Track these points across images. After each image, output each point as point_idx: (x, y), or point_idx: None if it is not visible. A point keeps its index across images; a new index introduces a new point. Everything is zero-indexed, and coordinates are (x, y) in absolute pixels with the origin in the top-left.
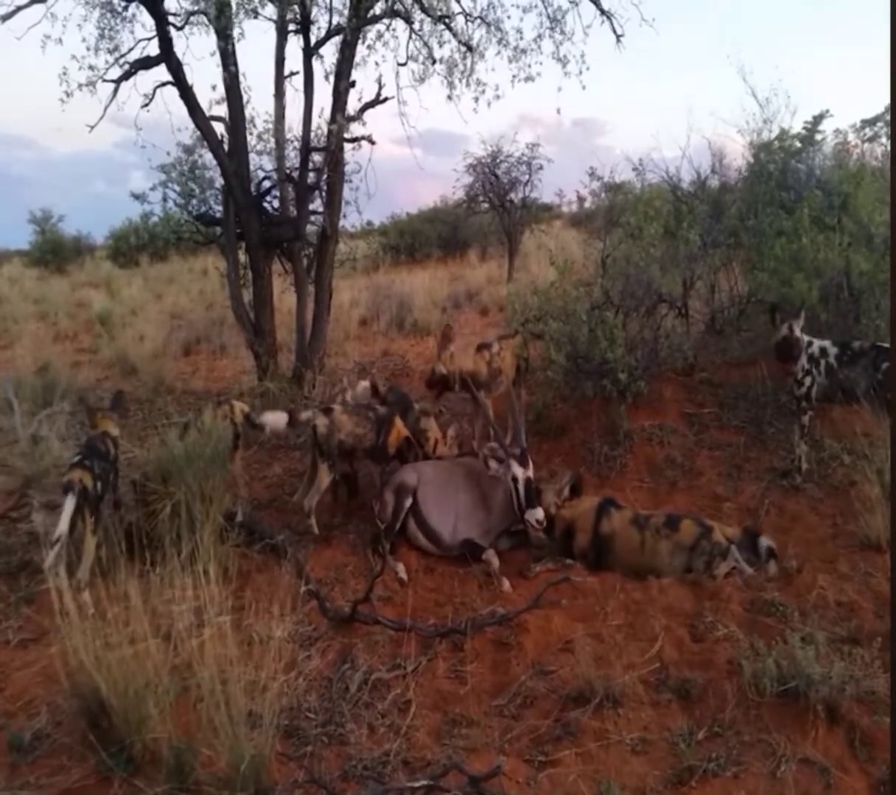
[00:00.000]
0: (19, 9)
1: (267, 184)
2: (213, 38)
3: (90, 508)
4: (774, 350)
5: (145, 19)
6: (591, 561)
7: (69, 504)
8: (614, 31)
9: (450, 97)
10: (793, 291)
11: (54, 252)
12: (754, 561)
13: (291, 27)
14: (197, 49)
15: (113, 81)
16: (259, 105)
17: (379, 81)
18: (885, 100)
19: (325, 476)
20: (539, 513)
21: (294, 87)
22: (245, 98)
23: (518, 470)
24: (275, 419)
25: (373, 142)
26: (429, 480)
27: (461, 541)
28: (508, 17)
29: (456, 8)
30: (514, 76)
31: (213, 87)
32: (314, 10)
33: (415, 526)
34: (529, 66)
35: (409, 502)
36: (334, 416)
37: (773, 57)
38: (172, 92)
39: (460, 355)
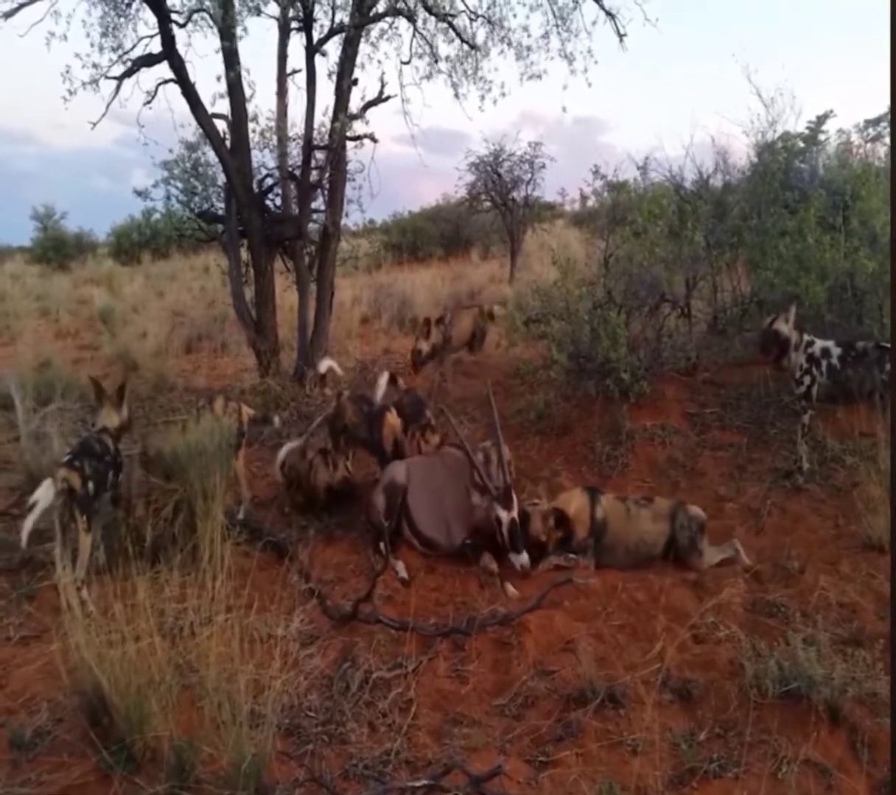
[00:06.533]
0: (22, 6)
1: (269, 181)
2: (215, 35)
3: (80, 507)
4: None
5: (148, 17)
6: (590, 551)
7: (46, 483)
8: (617, 32)
9: (456, 95)
10: (800, 291)
11: (56, 249)
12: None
13: (294, 25)
14: (199, 46)
15: (115, 78)
16: (262, 102)
17: (382, 79)
18: (887, 101)
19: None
20: (524, 559)
21: (296, 85)
22: (248, 93)
23: (502, 514)
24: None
25: (375, 141)
26: (418, 483)
27: (459, 544)
28: (515, 16)
29: (459, 6)
30: (521, 74)
31: (218, 78)
32: (317, 8)
33: (410, 533)
34: (533, 63)
35: (399, 500)
36: (342, 401)
37: (778, 56)
38: (175, 89)
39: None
